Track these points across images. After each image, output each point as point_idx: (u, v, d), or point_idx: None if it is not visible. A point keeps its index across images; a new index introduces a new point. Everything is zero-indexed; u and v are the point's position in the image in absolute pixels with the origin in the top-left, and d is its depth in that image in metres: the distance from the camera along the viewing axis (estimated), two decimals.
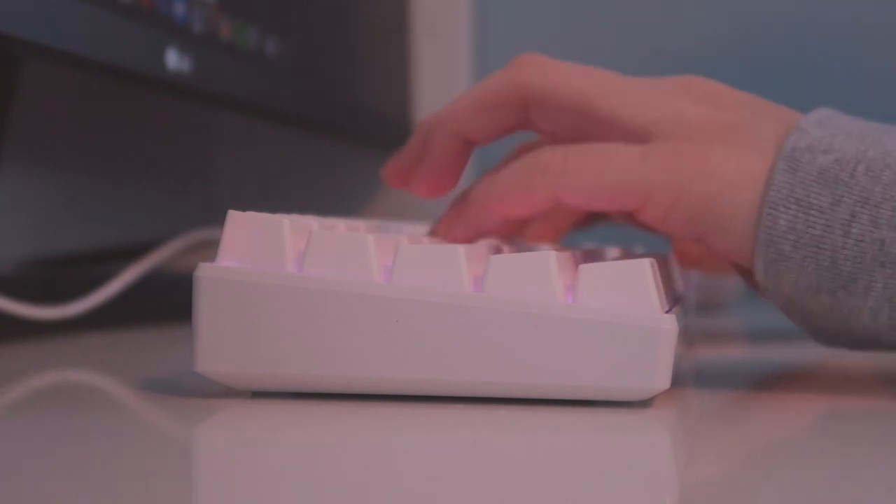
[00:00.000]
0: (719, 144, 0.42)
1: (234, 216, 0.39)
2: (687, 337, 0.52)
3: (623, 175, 0.42)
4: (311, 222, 0.42)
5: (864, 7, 0.95)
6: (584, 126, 0.45)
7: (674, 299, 0.45)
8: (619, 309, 0.37)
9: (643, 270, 0.38)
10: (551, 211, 0.48)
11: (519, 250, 0.45)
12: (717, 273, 0.78)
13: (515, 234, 0.63)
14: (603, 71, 0.46)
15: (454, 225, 0.46)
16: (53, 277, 0.66)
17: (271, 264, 0.39)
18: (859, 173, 0.40)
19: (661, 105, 0.44)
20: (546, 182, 0.43)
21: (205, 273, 0.39)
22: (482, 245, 0.42)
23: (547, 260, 0.38)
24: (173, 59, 0.59)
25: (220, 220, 0.41)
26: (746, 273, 0.47)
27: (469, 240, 0.46)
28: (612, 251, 0.52)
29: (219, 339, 0.39)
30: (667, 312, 0.38)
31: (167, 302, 0.69)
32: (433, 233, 0.47)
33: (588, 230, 0.66)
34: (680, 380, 0.44)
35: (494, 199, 0.45)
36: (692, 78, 0.45)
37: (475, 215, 0.45)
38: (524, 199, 0.44)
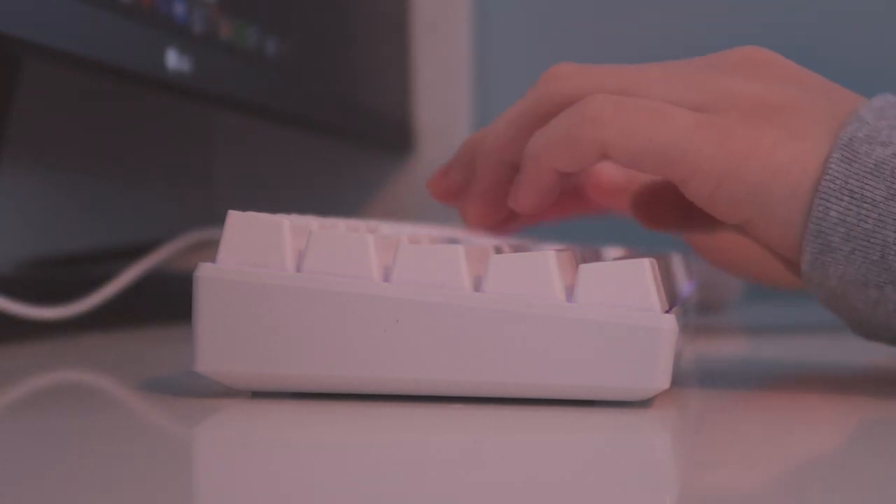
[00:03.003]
0: (772, 126, 0.40)
1: (234, 216, 0.39)
2: (687, 336, 0.52)
3: (673, 142, 0.41)
4: (311, 222, 0.42)
5: (863, 21, 0.95)
6: None
7: (674, 299, 0.45)
8: (618, 309, 0.37)
9: (643, 270, 0.38)
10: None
11: (519, 250, 0.45)
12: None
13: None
14: (638, 65, 0.44)
15: (517, 193, 0.44)
16: (53, 277, 0.65)
17: (271, 264, 0.39)
18: None
19: (709, 85, 0.42)
20: (593, 135, 0.41)
21: (205, 273, 0.39)
22: (482, 245, 0.42)
23: (547, 260, 0.38)
24: (173, 59, 0.59)
25: (220, 220, 0.41)
26: (785, 262, 0.44)
27: (537, 206, 0.44)
28: (612, 251, 0.52)
29: (219, 339, 0.39)
30: (667, 312, 0.38)
31: (167, 302, 0.69)
32: (470, 217, 0.46)
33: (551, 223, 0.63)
34: (680, 379, 0.44)
35: (544, 154, 0.43)
36: (744, 50, 0.43)
37: (532, 176, 0.43)
38: (571, 152, 0.42)
